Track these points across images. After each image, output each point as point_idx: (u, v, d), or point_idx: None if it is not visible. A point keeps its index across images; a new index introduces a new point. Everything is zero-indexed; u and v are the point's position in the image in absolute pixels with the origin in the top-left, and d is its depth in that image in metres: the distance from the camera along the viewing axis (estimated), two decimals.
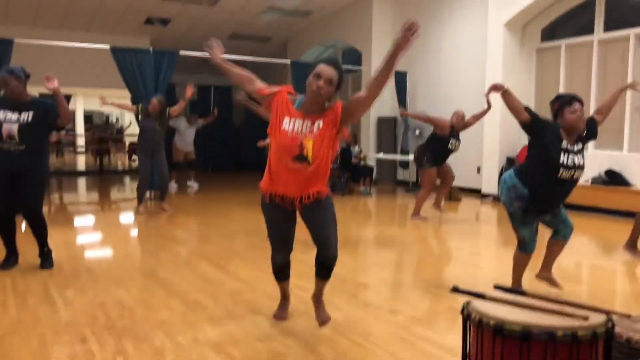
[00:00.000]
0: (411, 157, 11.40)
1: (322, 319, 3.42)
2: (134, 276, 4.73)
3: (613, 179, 8.54)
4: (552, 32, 10.08)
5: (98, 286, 4.37)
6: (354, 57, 13.70)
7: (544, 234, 4.14)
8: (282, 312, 3.61)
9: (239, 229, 7.31)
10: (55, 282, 4.44)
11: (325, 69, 2.99)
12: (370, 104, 3.07)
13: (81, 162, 21.43)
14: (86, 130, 24.54)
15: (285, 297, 3.63)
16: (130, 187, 12.89)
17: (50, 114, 4.67)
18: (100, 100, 8.66)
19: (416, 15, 12.12)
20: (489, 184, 10.31)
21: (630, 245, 5.50)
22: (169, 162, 8.74)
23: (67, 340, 3.21)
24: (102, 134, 21.27)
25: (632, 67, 8.66)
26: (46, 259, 4.93)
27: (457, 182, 8.52)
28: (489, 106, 7.00)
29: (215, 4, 12.68)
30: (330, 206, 3.20)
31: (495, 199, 10.02)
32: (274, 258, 3.41)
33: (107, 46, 9.43)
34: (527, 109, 3.93)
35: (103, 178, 15.24)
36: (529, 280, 4.33)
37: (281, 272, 3.46)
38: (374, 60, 12.77)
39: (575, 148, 3.83)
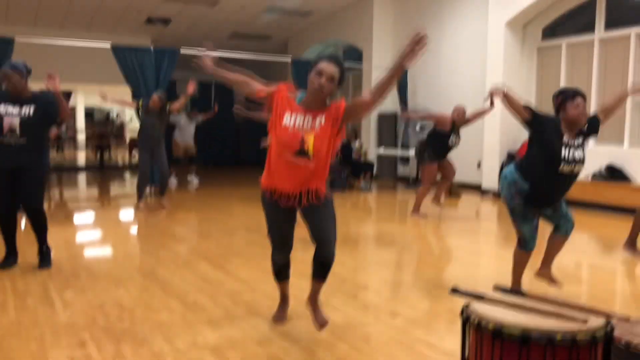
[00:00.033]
0: (412, 152, 11.41)
1: (321, 322, 3.36)
2: (133, 276, 4.73)
3: (613, 174, 8.52)
4: (553, 30, 10.05)
5: (97, 287, 4.36)
6: (355, 54, 13.66)
7: (544, 231, 4.12)
8: (281, 314, 3.60)
9: (239, 225, 7.32)
10: (54, 283, 4.43)
11: (326, 66, 2.98)
12: (372, 109, 3.08)
13: (81, 158, 21.43)
14: (87, 128, 24.56)
15: (284, 299, 3.62)
16: (130, 182, 12.90)
17: (50, 108, 4.70)
18: (101, 96, 8.66)
19: (417, 14, 12.13)
20: (490, 179, 10.31)
21: (630, 245, 5.48)
22: (169, 158, 8.74)
23: (66, 343, 3.20)
24: (103, 129, 21.27)
25: (632, 65, 8.64)
26: (45, 258, 4.93)
27: (457, 178, 8.51)
28: (492, 106, 6.96)
29: (216, 5, 12.65)
30: (330, 206, 3.19)
31: (496, 194, 10.01)
32: (274, 257, 3.40)
33: (108, 45, 9.41)
34: (526, 107, 3.92)
35: (103, 174, 15.25)
36: (528, 279, 4.32)
37: (281, 272, 3.45)
38: (375, 58, 12.75)
39: (576, 142, 3.82)
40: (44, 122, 4.73)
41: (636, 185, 8.27)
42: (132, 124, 23.56)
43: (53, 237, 5.51)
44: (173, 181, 11.31)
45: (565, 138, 3.79)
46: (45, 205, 5.00)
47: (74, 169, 16.75)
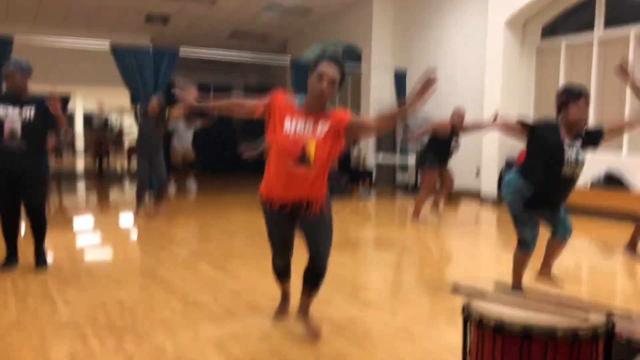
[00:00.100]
0: (410, 160, 11.44)
1: (314, 333, 3.26)
2: (134, 277, 4.74)
3: (612, 181, 8.55)
4: (552, 30, 10.09)
5: (98, 286, 4.36)
6: (354, 54, 13.70)
7: (543, 234, 4.14)
8: (282, 311, 3.60)
9: (238, 228, 7.33)
10: (55, 283, 4.43)
11: (328, 69, 2.93)
12: (372, 136, 3.09)
13: (80, 165, 21.40)
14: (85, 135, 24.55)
15: (285, 297, 3.62)
16: (129, 189, 12.88)
17: (49, 112, 4.67)
18: (99, 106, 8.70)
19: (416, 13, 12.17)
20: (488, 186, 10.31)
21: (631, 248, 5.51)
22: (167, 165, 8.72)
23: (67, 340, 3.21)
24: (101, 136, 21.26)
25: (632, 64, 8.67)
26: (41, 258, 4.93)
27: (456, 185, 8.52)
28: (495, 119, 7.10)
29: (215, 3, 12.68)
30: (328, 217, 3.15)
31: (495, 201, 10.02)
32: (274, 262, 3.38)
33: (107, 45, 9.43)
34: (522, 124, 3.91)
35: (102, 181, 15.22)
36: (529, 280, 4.33)
37: (282, 273, 3.45)
38: (374, 58, 12.78)
39: (575, 145, 3.84)
40: (44, 126, 4.72)
41: (634, 192, 8.29)
42: (131, 130, 23.55)
43: (53, 240, 5.53)
44: (172, 188, 11.31)
45: (566, 141, 3.81)
46: (46, 209, 5.01)
47: (73, 176, 16.71)
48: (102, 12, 13.18)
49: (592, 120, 8.87)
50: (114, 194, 12.66)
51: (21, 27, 12.86)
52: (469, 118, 7.83)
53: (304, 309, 3.33)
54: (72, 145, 23.48)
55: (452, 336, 3.29)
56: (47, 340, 3.20)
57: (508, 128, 3.98)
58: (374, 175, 12.54)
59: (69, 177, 15.85)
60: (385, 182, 12.95)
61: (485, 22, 10.36)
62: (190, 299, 4.05)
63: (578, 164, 3.80)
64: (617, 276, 5.21)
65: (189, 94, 3.16)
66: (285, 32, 15.77)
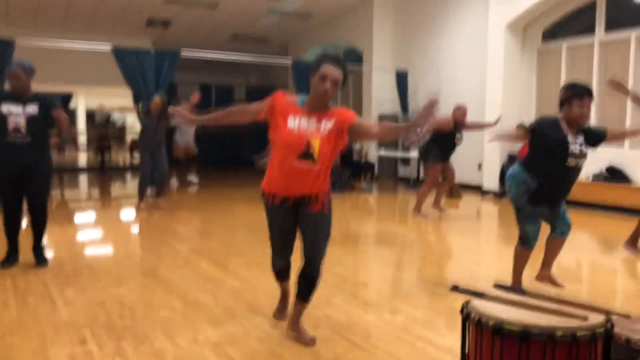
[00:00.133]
0: (412, 153, 11.42)
1: (309, 340, 3.20)
2: (134, 275, 4.74)
3: (614, 175, 8.53)
4: (553, 33, 10.06)
5: (98, 285, 4.37)
6: (355, 56, 13.68)
7: (543, 231, 4.13)
8: (281, 310, 3.60)
9: (240, 224, 7.34)
10: (55, 281, 4.44)
11: (330, 70, 2.93)
12: (374, 141, 3.08)
13: (82, 160, 21.44)
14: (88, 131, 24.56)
15: (285, 296, 3.62)
16: (131, 184, 12.91)
17: (52, 108, 4.76)
18: (100, 109, 8.75)
19: (417, 16, 12.16)
20: (490, 180, 10.31)
21: (631, 243, 5.49)
22: (170, 159, 8.76)
23: (67, 340, 3.21)
24: (103, 131, 21.29)
25: (633, 68, 8.65)
26: (42, 256, 4.97)
27: (458, 179, 8.51)
28: (496, 123, 7.31)
29: (216, 7, 12.67)
30: (328, 214, 3.14)
31: (497, 195, 10.02)
32: (274, 262, 3.36)
33: (108, 47, 9.43)
34: (524, 130, 3.91)
35: (104, 175, 15.26)
36: (529, 280, 4.32)
37: (281, 274, 3.43)
38: (375, 60, 12.77)
39: (578, 139, 3.84)
40: (46, 121, 4.78)
41: (636, 186, 8.27)
42: (133, 125, 23.57)
43: (54, 236, 5.54)
44: (174, 182, 11.33)
45: (568, 135, 3.80)
46: (48, 206, 5.04)
47: (75, 170, 16.77)
48: (103, 15, 13.17)
49: (592, 122, 8.86)
50: (115, 189, 12.69)
51: (21, 29, 12.88)
52: (470, 119, 7.81)
53: (296, 319, 3.28)
54: (74, 142, 23.53)
55: (452, 336, 3.29)
56: (47, 340, 3.21)
57: (513, 139, 3.97)
58: (375, 168, 12.53)
59: (71, 172, 15.90)
60: (387, 175, 12.95)
61: (486, 25, 10.34)
62: (190, 298, 4.06)
63: (581, 155, 3.82)
64: (617, 275, 5.19)
65: (187, 116, 3.24)
66: (286, 35, 15.76)
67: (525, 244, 4.02)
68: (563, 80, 9.67)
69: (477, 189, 10.61)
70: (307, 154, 2.96)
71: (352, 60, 13.59)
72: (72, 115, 24.69)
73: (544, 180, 3.83)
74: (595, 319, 2.08)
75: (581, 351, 2.01)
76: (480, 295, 2.29)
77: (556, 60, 9.91)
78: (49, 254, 5.20)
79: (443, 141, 7.55)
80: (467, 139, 7.74)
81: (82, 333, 3.33)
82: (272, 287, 3.80)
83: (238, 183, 12.94)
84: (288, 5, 12.85)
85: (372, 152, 12.81)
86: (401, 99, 12.17)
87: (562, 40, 9.81)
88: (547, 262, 4.26)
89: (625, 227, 6.27)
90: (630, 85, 8.60)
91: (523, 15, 9.82)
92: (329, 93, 2.95)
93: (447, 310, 3.83)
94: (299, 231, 3.20)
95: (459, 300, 2.41)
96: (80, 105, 24.61)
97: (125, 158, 20.26)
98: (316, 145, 2.95)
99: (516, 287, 3.95)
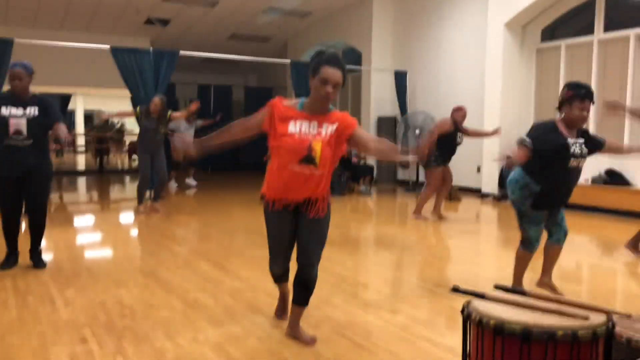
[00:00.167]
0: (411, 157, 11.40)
1: (310, 337, 3.21)
2: (134, 275, 4.74)
3: (613, 178, 8.54)
4: (552, 32, 10.09)
5: (98, 286, 4.37)
6: (354, 56, 13.69)
7: (543, 234, 4.13)
8: (282, 310, 3.60)
9: (239, 227, 7.34)
10: (55, 282, 4.44)
11: (331, 73, 2.90)
12: (368, 154, 3.09)
13: (81, 162, 21.44)
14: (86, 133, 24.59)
15: (284, 297, 3.61)
16: (130, 186, 12.91)
17: (51, 110, 4.75)
18: (100, 118, 8.80)
19: (416, 15, 12.16)
20: (489, 183, 10.32)
21: (632, 245, 5.50)
22: (169, 163, 8.75)
23: (67, 340, 3.21)
24: (102, 134, 21.31)
25: (632, 67, 8.67)
26: (40, 258, 4.96)
27: (457, 182, 8.51)
28: (495, 132, 7.37)
29: (215, 5, 12.68)
30: (326, 225, 3.12)
31: (496, 198, 10.03)
32: (272, 268, 3.33)
33: (107, 46, 9.44)
34: (525, 146, 3.80)
35: (103, 177, 15.25)
36: (529, 283, 4.32)
37: (279, 278, 3.42)
38: (374, 60, 12.78)
39: (578, 141, 3.84)
40: (46, 123, 4.76)
41: (636, 189, 8.28)
42: (132, 128, 23.58)
43: (53, 238, 5.53)
44: (173, 185, 11.32)
45: (568, 138, 3.80)
46: (47, 208, 5.05)
47: (74, 173, 16.76)
48: (102, 13, 13.18)
49: (591, 122, 8.89)
50: (114, 191, 12.67)
51: (20, 28, 12.89)
52: (469, 120, 7.82)
53: (294, 321, 3.27)
54: (72, 145, 23.54)
55: (453, 336, 3.29)
56: (48, 340, 3.20)
57: (521, 160, 3.88)
58: (374, 172, 12.52)
59: (70, 174, 15.90)
60: (386, 179, 12.95)
61: (485, 24, 10.36)
62: (190, 299, 4.05)
63: (582, 156, 3.82)
64: (618, 275, 5.20)
65: (188, 146, 3.26)
66: (285, 34, 15.76)
67: (527, 247, 4.02)
68: (562, 79, 9.69)
69: (476, 192, 10.62)
70: (308, 158, 2.93)
71: (350, 60, 13.61)
72: (70, 116, 24.70)
73: (547, 183, 3.83)
74: (596, 318, 2.08)
75: (582, 351, 2.01)
76: (480, 296, 2.29)
77: (555, 60, 9.93)
78: (48, 256, 5.20)
79: (444, 144, 7.53)
80: (466, 142, 7.74)
81: (83, 332, 3.32)
82: (272, 287, 3.78)
83: (236, 186, 12.94)
84: (287, 3, 12.85)
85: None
86: (399, 99, 12.18)
87: (561, 39, 9.84)
88: (546, 269, 4.26)
89: (624, 230, 6.29)
90: (629, 84, 8.64)
91: (522, 15, 9.84)
92: (331, 97, 2.94)
93: (447, 310, 3.83)
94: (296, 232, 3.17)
95: (459, 300, 2.41)
96: (79, 106, 24.60)
97: (123, 161, 20.25)
98: (318, 148, 2.92)
99: (517, 288, 3.97)
